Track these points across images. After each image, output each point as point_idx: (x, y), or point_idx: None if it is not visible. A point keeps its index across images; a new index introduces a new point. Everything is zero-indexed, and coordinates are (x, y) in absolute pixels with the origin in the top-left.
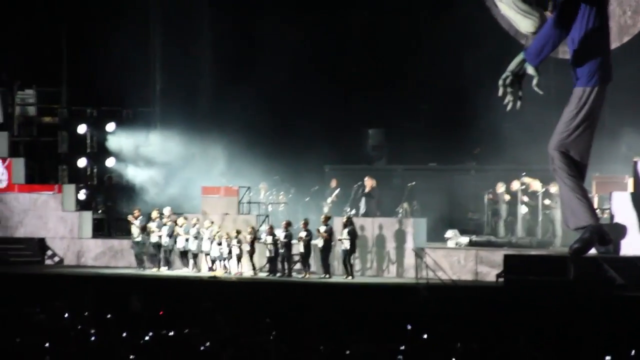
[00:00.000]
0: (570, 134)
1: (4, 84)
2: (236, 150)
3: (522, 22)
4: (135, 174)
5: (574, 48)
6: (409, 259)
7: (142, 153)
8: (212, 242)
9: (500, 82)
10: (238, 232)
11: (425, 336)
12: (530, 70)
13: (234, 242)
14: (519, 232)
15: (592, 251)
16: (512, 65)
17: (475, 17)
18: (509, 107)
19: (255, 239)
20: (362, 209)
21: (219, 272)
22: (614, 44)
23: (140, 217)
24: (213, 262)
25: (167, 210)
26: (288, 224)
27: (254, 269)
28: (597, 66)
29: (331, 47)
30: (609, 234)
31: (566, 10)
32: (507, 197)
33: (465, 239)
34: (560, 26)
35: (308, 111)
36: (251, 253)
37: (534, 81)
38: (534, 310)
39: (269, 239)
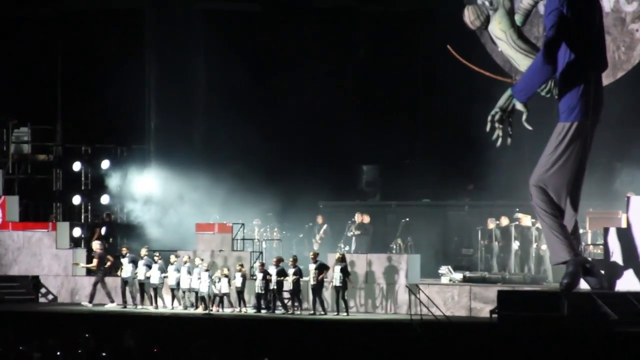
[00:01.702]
0: (549, 169)
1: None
2: (230, 186)
3: (523, 61)
4: (129, 212)
5: (558, 82)
6: (403, 295)
7: (136, 190)
8: (200, 279)
9: (489, 117)
10: (228, 269)
11: None
12: (519, 106)
13: (224, 279)
14: (512, 268)
15: (586, 287)
16: (501, 101)
17: (469, 54)
18: (498, 143)
19: (245, 275)
20: (353, 245)
21: (209, 309)
22: (608, 80)
23: (129, 254)
24: (204, 299)
25: (143, 251)
26: (279, 260)
27: (244, 305)
28: (576, 101)
29: (325, 84)
30: (589, 261)
31: (551, 48)
32: (497, 233)
33: (459, 275)
34: (547, 63)
35: (302, 147)
36: (241, 290)
37: (523, 117)
38: (528, 346)
39: (260, 275)
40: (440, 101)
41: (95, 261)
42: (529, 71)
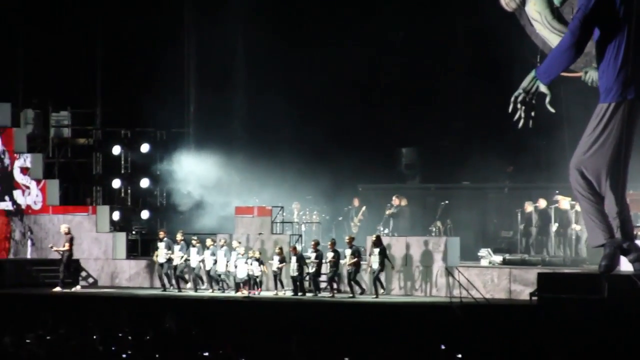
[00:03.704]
0: (587, 150)
1: (37, 107)
2: (270, 169)
3: (556, 41)
4: (169, 195)
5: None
6: (442, 277)
7: (176, 174)
8: (237, 263)
9: (512, 99)
10: (260, 252)
11: (459, 356)
12: (542, 88)
13: (257, 263)
14: (551, 250)
15: (629, 268)
16: (524, 82)
17: (509, 36)
18: (520, 125)
19: (284, 259)
20: (391, 227)
21: (248, 292)
22: None
23: (166, 239)
24: (242, 282)
25: (179, 235)
26: (317, 244)
27: (282, 288)
28: (612, 82)
29: (365, 66)
30: (626, 242)
31: (578, 31)
32: (535, 216)
33: (498, 258)
34: (573, 48)
35: (341, 130)
36: (280, 273)
37: (547, 99)
38: (569, 328)
39: (294, 259)
40: (480, 83)
41: (67, 245)
42: (553, 53)
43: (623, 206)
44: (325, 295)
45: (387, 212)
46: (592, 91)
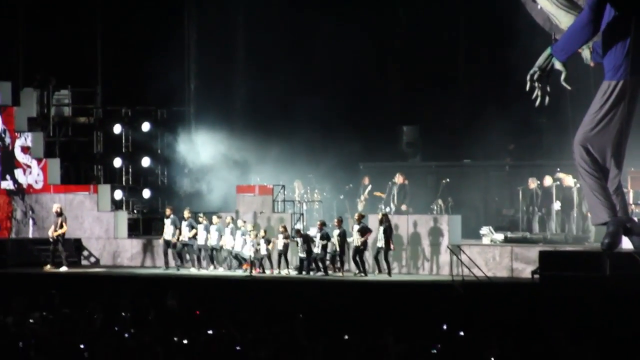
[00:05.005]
0: (594, 128)
1: (39, 85)
2: (271, 148)
3: (564, 18)
4: (169, 174)
5: (601, 40)
6: (444, 256)
7: (177, 152)
8: (244, 241)
9: (528, 77)
10: (265, 231)
11: (461, 333)
12: (557, 65)
13: (263, 241)
14: (553, 228)
15: (629, 246)
16: (540, 60)
17: (510, 14)
18: (537, 103)
19: (288, 237)
20: (394, 207)
21: (253, 271)
22: None
23: (172, 216)
24: (247, 261)
25: (186, 212)
26: (323, 224)
27: (287, 267)
28: (621, 60)
29: (366, 45)
30: (630, 220)
31: (596, 8)
32: (539, 193)
33: (500, 236)
34: (590, 23)
35: (343, 109)
36: (285, 252)
37: (562, 76)
38: (570, 306)
39: (300, 240)
40: (481, 61)
41: (65, 225)
42: (570, 30)
43: (620, 184)
44: (331, 274)
45: (393, 192)
46: (595, 69)
